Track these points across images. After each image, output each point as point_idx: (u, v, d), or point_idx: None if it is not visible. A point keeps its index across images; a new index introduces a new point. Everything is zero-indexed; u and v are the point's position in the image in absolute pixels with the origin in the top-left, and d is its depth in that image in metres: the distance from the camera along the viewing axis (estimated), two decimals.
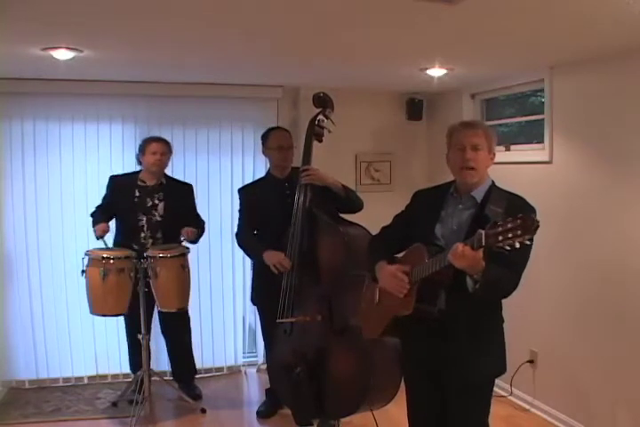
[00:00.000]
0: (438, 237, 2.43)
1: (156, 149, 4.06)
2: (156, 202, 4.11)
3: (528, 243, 1.96)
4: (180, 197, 4.20)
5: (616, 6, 2.41)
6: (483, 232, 2.05)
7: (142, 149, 4.10)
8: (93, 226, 3.97)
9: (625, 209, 3.35)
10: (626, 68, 3.31)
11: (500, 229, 1.99)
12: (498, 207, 2.28)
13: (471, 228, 2.27)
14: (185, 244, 4.06)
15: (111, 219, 4.07)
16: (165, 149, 4.12)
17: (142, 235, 4.06)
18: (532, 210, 2.33)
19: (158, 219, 4.10)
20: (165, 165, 4.17)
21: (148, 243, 4.05)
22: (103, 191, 4.25)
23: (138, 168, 4.22)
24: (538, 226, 1.94)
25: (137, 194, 4.09)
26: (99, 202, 4.18)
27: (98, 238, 3.90)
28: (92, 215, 4.08)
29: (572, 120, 3.74)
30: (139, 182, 4.12)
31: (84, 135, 4.51)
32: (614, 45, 3.16)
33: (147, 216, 4.08)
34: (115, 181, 4.17)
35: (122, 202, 4.08)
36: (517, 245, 1.97)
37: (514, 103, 4.61)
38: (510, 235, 1.96)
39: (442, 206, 2.48)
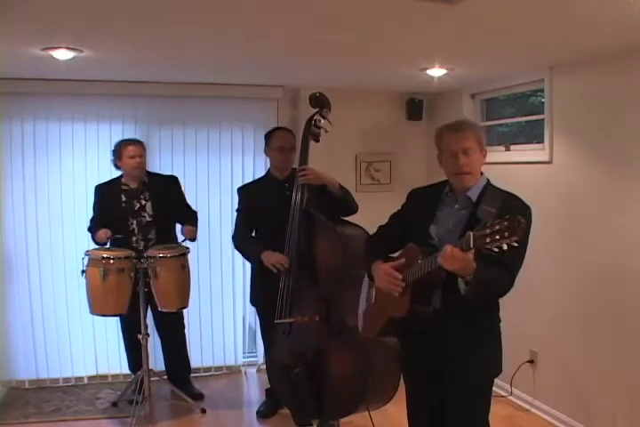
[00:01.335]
0: (433, 237, 2.43)
1: (134, 152, 4.01)
2: (143, 203, 4.08)
3: (515, 245, 1.95)
4: (167, 191, 4.17)
5: (616, 6, 2.41)
6: (471, 234, 2.05)
7: (118, 153, 4.03)
8: (94, 237, 3.92)
9: (625, 209, 3.35)
10: (626, 68, 3.31)
11: (488, 231, 1.99)
12: (491, 207, 2.28)
13: (466, 228, 2.27)
14: (186, 243, 4.07)
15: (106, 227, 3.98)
16: (143, 150, 4.08)
17: (134, 239, 4.03)
18: (526, 209, 2.33)
19: (149, 219, 4.07)
20: (145, 166, 4.13)
21: (140, 246, 4.01)
22: None
23: (116, 172, 4.15)
24: (524, 228, 1.93)
25: (123, 199, 4.06)
26: (91, 210, 4.15)
27: (103, 245, 3.89)
28: (90, 229, 4.03)
29: (572, 120, 3.74)
30: (123, 187, 4.08)
31: (83, 135, 4.50)
32: (614, 45, 3.16)
33: (136, 219, 4.05)
34: (100, 189, 4.12)
35: (110, 209, 4.04)
36: (505, 247, 1.96)
37: (514, 103, 4.61)
38: (498, 236, 1.96)
39: (437, 206, 2.48)
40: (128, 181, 4.09)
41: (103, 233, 3.85)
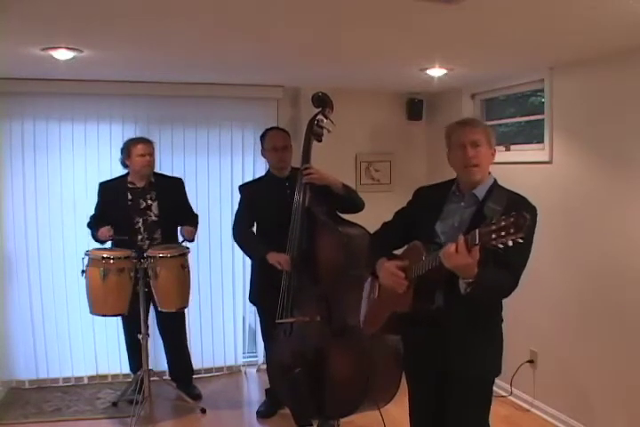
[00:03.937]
0: (438, 235, 2.43)
1: (143, 150, 4.01)
2: (150, 202, 4.09)
3: (520, 241, 1.96)
4: (172, 192, 4.18)
5: (616, 6, 2.41)
6: (477, 230, 2.06)
7: (127, 151, 4.03)
8: (94, 234, 3.94)
9: (625, 209, 3.35)
10: (626, 68, 3.31)
11: (494, 227, 1.99)
12: (497, 205, 2.28)
13: (471, 225, 2.28)
14: (185, 243, 4.07)
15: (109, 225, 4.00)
16: (152, 149, 4.08)
17: (139, 237, 4.04)
18: (532, 209, 2.33)
19: (154, 219, 4.08)
20: (154, 165, 4.14)
21: (146, 244, 4.02)
22: None
23: (123, 171, 4.15)
24: (529, 224, 1.93)
25: (129, 197, 4.07)
26: (91, 209, 4.14)
27: (102, 243, 3.92)
28: (89, 225, 4.04)
29: (572, 120, 3.74)
30: (129, 185, 4.08)
31: (84, 135, 4.51)
32: (614, 45, 3.16)
33: (142, 218, 4.06)
34: (105, 187, 4.13)
35: (115, 207, 4.04)
36: (510, 244, 1.96)
37: (514, 103, 4.61)
38: (503, 233, 1.96)
39: (443, 204, 2.48)
40: (135, 179, 4.09)
41: (105, 230, 3.86)
